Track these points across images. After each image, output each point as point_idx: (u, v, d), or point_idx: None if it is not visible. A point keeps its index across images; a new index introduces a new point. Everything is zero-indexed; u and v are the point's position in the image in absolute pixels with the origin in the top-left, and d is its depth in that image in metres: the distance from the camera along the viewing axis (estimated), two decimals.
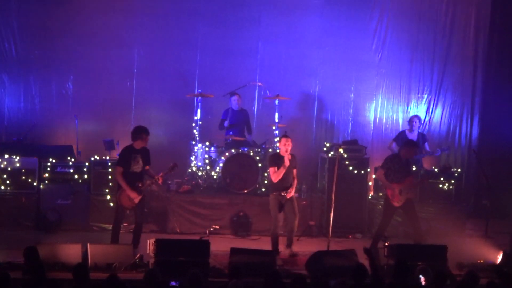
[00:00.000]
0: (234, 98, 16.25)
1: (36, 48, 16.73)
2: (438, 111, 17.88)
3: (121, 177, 12.85)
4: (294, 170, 13.32)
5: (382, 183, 13.82)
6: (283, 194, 13.09)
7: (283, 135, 13.51)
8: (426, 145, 16.54)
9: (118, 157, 13.39)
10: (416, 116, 16.77)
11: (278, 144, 13.47)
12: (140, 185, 12.87)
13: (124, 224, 14.02)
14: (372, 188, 16.09)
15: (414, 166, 14.98)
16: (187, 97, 16.79)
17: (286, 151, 13.10)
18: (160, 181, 13.19)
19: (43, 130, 16.61)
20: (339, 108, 17.77)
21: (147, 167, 13.03)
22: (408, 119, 16.84)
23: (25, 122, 16.54)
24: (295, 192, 13.49)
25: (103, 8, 16.83)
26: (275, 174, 13.08)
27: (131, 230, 13.31)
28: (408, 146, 13.76)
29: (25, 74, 16.73)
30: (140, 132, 12.99)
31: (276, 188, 13.20)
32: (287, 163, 13.06)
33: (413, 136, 16.20)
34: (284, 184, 13.12)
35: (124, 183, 12.80)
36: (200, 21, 17.17)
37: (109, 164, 15.06)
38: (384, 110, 17.82)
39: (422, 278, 10.27)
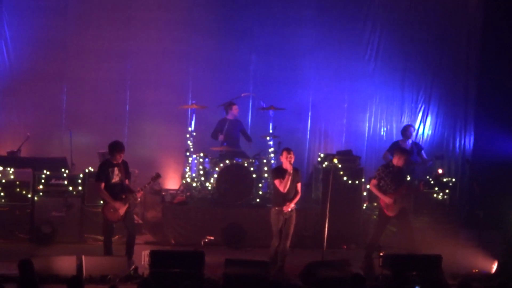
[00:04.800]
0: (236, 107, 16.26)
1: (29, 60, 16.73)
2: (431, 121, 17.92)
3: (103, 191, 12.87)
4: (298, 184, 13.17)
5: (376, 194, 13.83)
6: (284, 209, 12.96)
7: (286, 148, 13.35)
8: (423, 153, 16.56)
9: (96, 172, 13.34)
10: (411, 126, 16.83)
11: (280, 157, 13.32)
12: (123, 196, 12.86)
13: (117, 236, 14.01)
14: (366, 198, 16.08)
15: (408, 176, 14.98)
16: (180, 108, 16.79)
17: (290, 164, 13.03)
18: (138, 196, 13.19)
19: (37, 142, 16.60)
20: (333, 118, 17.80)
21: (126, 181, 13.04)
22: (402, 129, 16.83)
23: (19, 134, 16.51)
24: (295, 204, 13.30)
25: (96, 20, 16.86)
26: (281, 185, 12.96)
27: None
28: (399, 153, 13.79)
29: (18, 86, 16.73)
30: (114, 149, 12.97)
31: (278, 203, 13.06)
32: (290, 169, 12.97)
33: (407, 145, 16.23)
34: (286, 197, 13.04)
35: (107, 196, 12.81)
36: (194, 33, 17.20)
37: None
38: (378, 120, 17.86)
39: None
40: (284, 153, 13.11)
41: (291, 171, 12.95)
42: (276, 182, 13.04)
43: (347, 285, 10.30)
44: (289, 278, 12.61)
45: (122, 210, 12.80)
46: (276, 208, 13.02)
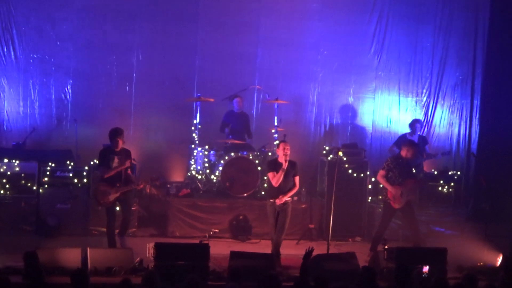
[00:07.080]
0: (236, 100, 16.25)
1: (35, 53, 16.74)
2: (437, 114, 17.86)
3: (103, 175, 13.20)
4: (296, 178, 13.14)
5: (383, 185, 13.82)
6: (277, 202, 12.96)
7: (282, 140, 13.37)
8: (427, 147, 16.55)
9: (98, 159, 13.59)
10: (418, 120, 16.83)
11: (275, 149, 13.34)
12: (117, 184, 13.01)
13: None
14: (371, 191, 16.07)
15: (414, 169, 14.96)
16: (186, 101, 16.78)
17: (285, 157, 13.01)
18: (140, 187, 13.55)
19: (43, 134, 16.63)
20: (338, 111, 17.77)
21: (128, 171, 13.21)
22: (409, 122, 16.82)
23: (25, 127, 16.56)
24: (295, 196, 13.30)
25: (101, 13, 16.84)
26: (274, 179, 12.96)
27: (131, 234, 13.34)
28: (408, 146, 13.81)
29: (24, 78, 16.74)
30: (114, 134, 13.20)
31: (272, 195, 13.08)
32: (285, 165, 12.96)
33: (414, 139, 16.19)
34: (281, 190, 13.02)
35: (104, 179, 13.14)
36: (199, 26, 17.19)
37: None
38: (383, 113, 17.81)
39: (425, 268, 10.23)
40: (281, 145, 13.07)
41: (285, 167, 12.91)
42: (270, 175, 13.05)
43: (354, 277, 10.27)
44: (295, 270, 12.60)
45: (112, 196, 12.99)
46: (270, 200, 13.05)
